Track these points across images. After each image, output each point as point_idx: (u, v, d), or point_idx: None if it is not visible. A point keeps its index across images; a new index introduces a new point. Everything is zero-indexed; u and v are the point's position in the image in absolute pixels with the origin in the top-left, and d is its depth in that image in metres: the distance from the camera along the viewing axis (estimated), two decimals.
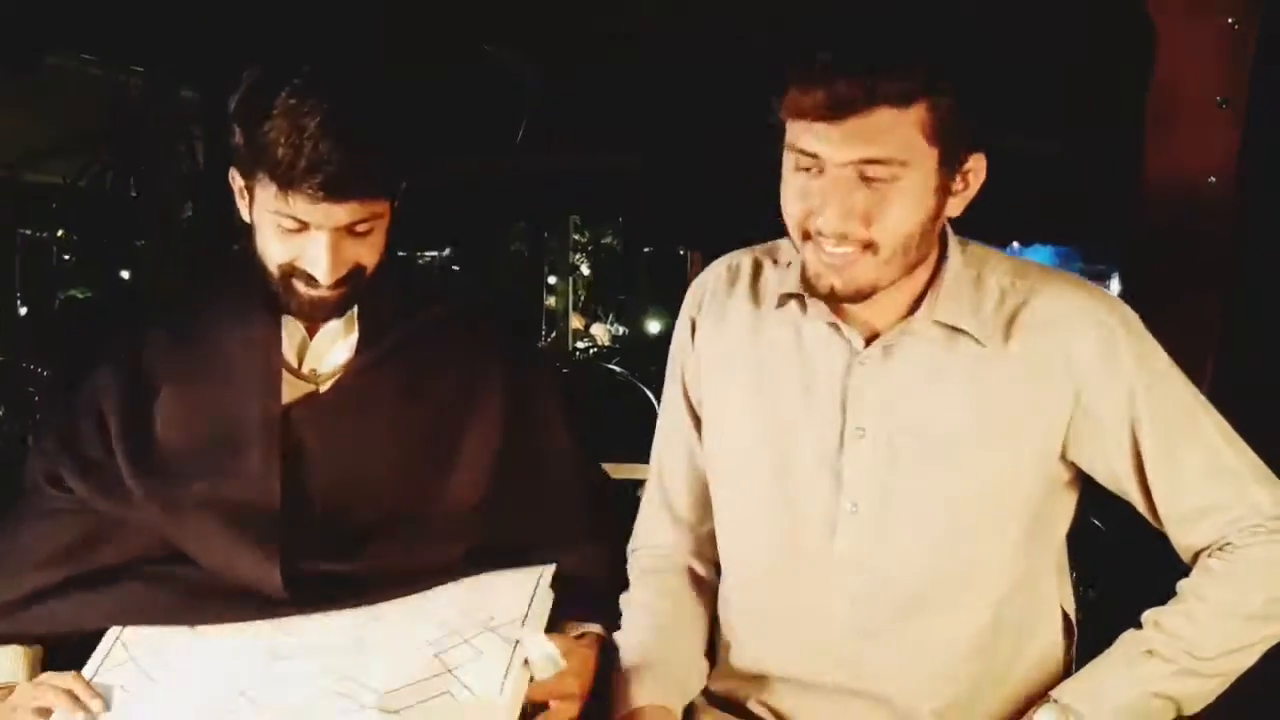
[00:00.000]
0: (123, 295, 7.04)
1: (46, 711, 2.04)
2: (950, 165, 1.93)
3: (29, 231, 9.07)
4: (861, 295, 1.94)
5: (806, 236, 1.94)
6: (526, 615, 2.04)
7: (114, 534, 2.22)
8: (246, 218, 2.20)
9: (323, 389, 2.24)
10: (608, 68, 6.05)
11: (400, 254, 2.36)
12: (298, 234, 2.09)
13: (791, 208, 1.96)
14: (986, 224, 2.11)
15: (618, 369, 6.16)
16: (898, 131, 1.86)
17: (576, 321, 11.39)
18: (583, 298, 12.02)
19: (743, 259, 2.21)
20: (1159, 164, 2.61)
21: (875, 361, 2.00)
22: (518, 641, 1.96)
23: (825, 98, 1.84)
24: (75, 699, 2.01)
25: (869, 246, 1.90)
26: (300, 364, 2.25)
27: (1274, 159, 2.66)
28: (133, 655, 2.10)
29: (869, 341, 2.02)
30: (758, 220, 2.15)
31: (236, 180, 2.19)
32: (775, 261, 2.15)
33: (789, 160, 1.94)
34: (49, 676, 2.10)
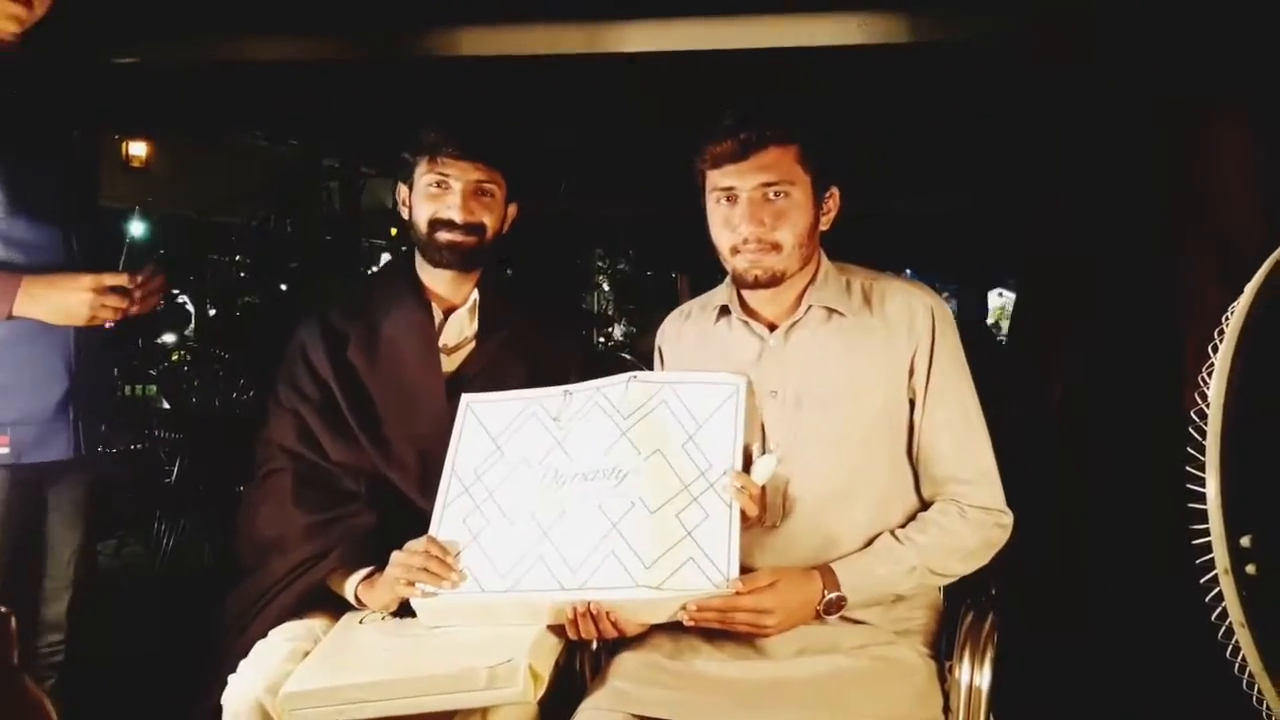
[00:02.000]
0: (281, 300, 7.14)
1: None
2: (819, 190, 2.05)
3: (215, 257, 9.11)
4: (775, 280, 2.02)
5: (735, 251, 2.03)
6: (733, 460, 1.92)
7: (338, 481, 2.17)
8: (406, 216, 2.29)
9: (451, 358, 2.27)
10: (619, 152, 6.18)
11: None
12: (442, 194, 2.20)
13: (719, 232, 2.05)
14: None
15: (629, 356, 6.22)
16: (783, 163, 2.00)
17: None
18: (604, 307, 12.04)
19: (691, 306, 2.27)
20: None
21: (778, 343, 2.06)
22: (731, 503, 1.88)
23: (734, 145, 1.99)
24: (432, 573, 1.91)
25: (775, 247, 2.00)
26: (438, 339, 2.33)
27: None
28: (466, 487, 2.03)
29: (772, 330, 2.08)
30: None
31: (401, 193, 2.28)
32: (706, 303, 2.20)
33: (712, 201, 2.05)
34: (411, 545, 1.96)
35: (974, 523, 1.96)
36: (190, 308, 9.06)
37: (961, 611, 1.99)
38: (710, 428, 1.98)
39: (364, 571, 2.05)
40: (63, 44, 2.27)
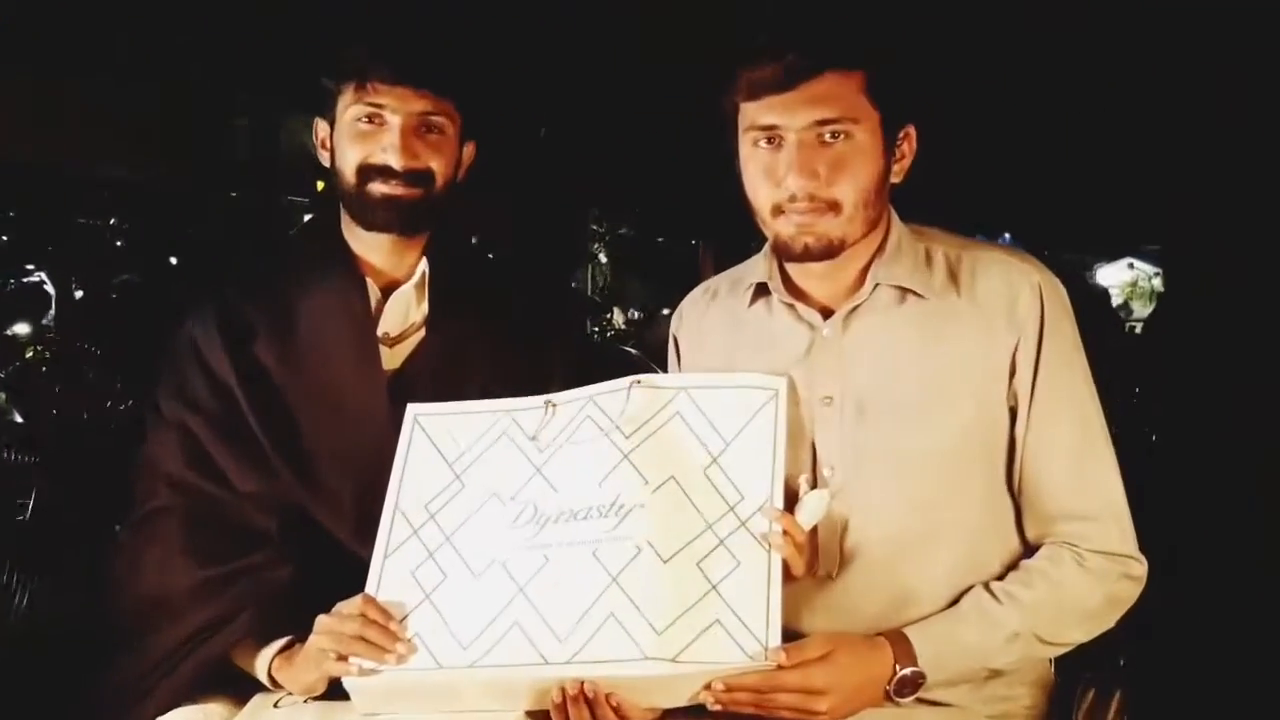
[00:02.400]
0: (170, 278, 7.15)
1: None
2: (891, 130, 2.02)
3: (84, 221, 9.15)
4: (832, 251, 1.99)
5: (778, 212, 2.00)
6: (771, 491, 1.91)
7: (243, 519, 2.17)
8: (327, 162, 2.27)
9: (394, 351, 2.28)
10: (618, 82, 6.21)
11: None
12: (374, 131, 2.16)
13: (756, 187, 2.02)
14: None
15: (633, 350, 6.25)
16: (844, 94, 1.96)
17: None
18: (602, 284, 12.10)
19: (718, 283, 2.28)
20: None
21: (834, 333, 2.04)
22: (770, 548, 1.87)
23: (778, 70, 1.94)
24: (370, 643, 1.88)
25: (833, 207, 1.96)
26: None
27: None
28: (415, 529, 2.01)
29: (826, 316, 2.06)
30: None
31: (321, 131, 2.29)
32: (739, 279, 2.21)
33: (746, 143, 2.02)
34: (342, 607, 1.93)
35: (1096, 573, 1.95)
36: (49, 288, 9.07)
37: (1079, 690, 1.99)
38: (740, 447, 1.98)
39: (280, 643, 2.04)
40: None
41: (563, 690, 1.82)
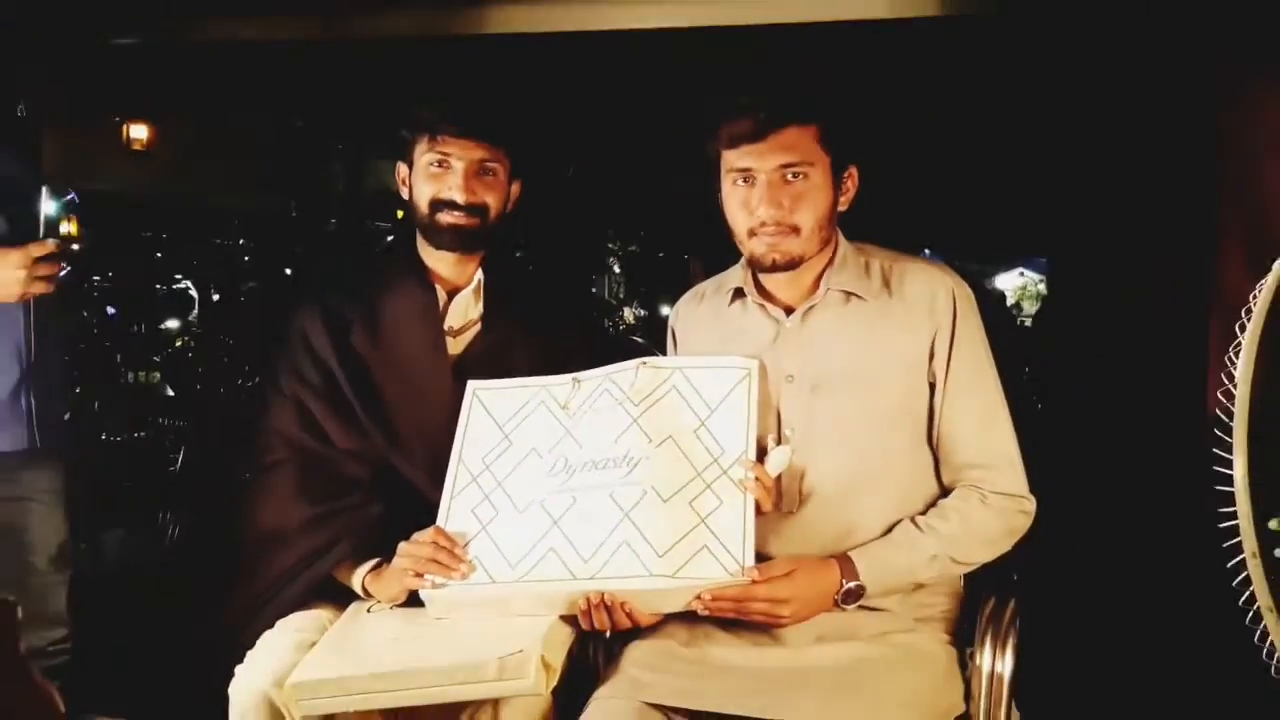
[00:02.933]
0: (285, 285, 7.17)
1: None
2: (838, 170, 2.03)
3: (219, 241, 9.15)
4: (793, 264, 2.01)
5: (751, 234, 2.01)
6: (746, 447, 1.93)
7: (343, 469, 2.17)
8: (406, 196, 2.25)
9: (456, 340, 2.26)
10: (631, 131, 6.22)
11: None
12: (443, 174, 2.17)
13: (735, 214, 2.03)
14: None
15: (640, 340, 6.24)
16: (803, 143, 1.98)
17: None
18: (615, 289, 12.05)
19: (705, 287, 2.25)
20: None
21: (795, 326, 2.05)
22: (745, 491, 1.89)
23: (752, 124, 1.97)
24: (440, 564, 1.92)
25: (795, 229, 1.98)
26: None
27: None
28: (474, 476, 2.03)
29: (788, 313, 2.07)
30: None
31: (401, 172, 2.25)
32: (721, 284, 2.19)
33: (727, 182, 2.03)
34: (419, 536, 1.96)
35: (996, 509, 1.96)
36: (194, 293, 9.08)
37: (983, 597, 1.99)
38: (722, 413, 1.98)
39: (371, 563, 2.06)
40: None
41: (587, 599, 1.84)
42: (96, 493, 4.92)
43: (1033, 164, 6.46)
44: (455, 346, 2.26)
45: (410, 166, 2.24)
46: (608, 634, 1.92)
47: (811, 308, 2.05)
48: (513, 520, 1.96)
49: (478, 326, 2.28)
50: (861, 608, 1.93)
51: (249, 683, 1.91)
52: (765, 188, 1.98)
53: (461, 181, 2.18)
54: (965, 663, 1.96)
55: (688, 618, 1.92)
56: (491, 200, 2.22)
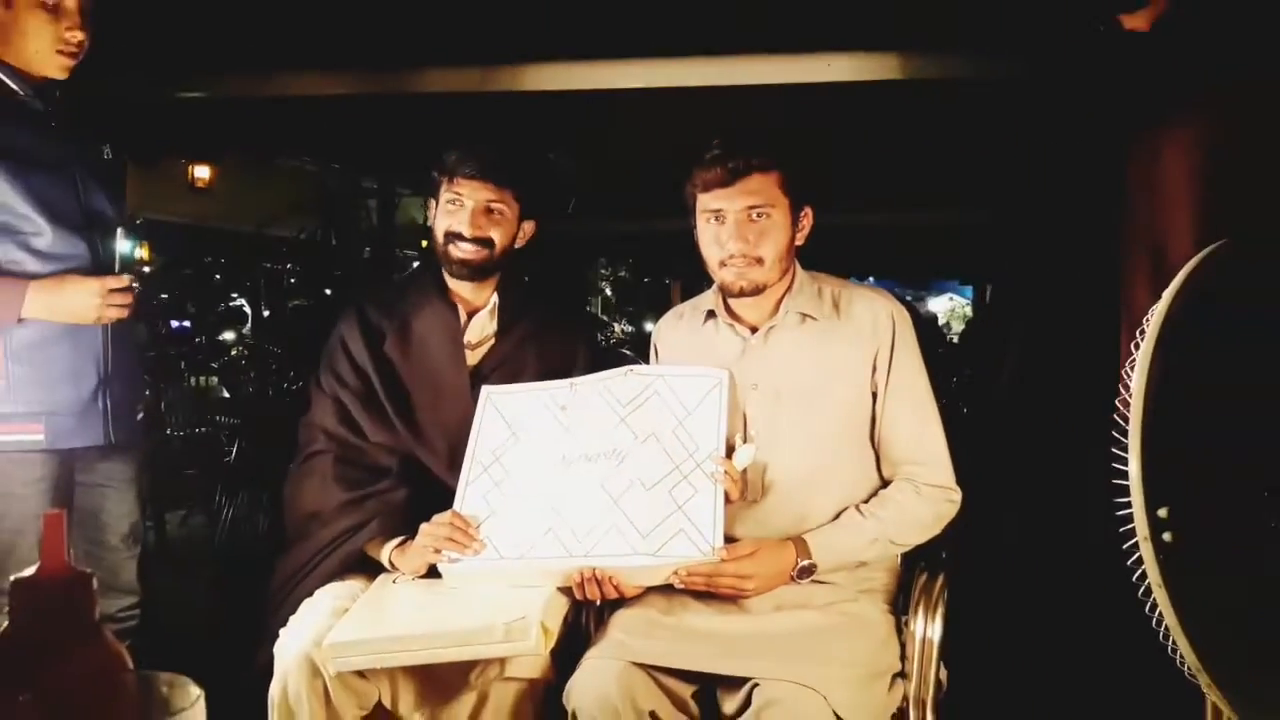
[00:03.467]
0: (326, 303, 7.15)
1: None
2: (795, 211, 2.05)
3: (269, 265, 9.13)
4: (757, 291, 2.01)
5: (722, 265, 2.03)
6: (718, 444, 1.93)
7: (375, 459, 2.16)
8: (432, 223, 2.24)
9: (474, 353, 2.24)
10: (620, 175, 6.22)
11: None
12: (456, 210, 2.18)
13: (709, 248, 2.05)
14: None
15: (628, 351, 6.23)
16: (766, 188, 2.00)
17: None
18: (606, 309, 12.08)
19: (684, 308, 2.26)
20: None
21: (759, 343, 2.05)
22: (716, 482, 1.89)
23: (722, 172, 2.00)
24: (456, 542, 1.92)
25: (759, 260, 2.00)
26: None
27: None
28: (486, 467, 2.02)
29: (753, 332, 2.07)
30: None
31: (431, 208, 2.25)
32: (696, 306, 2.21)
33: (702, 220, 2.05)
34: (438, 518, 1.96)
35: (928, 499, 1.97)
36: (248, 309, 9.06)
37: (916, 572, 2.00)
38: (697, 415, 1.98)
39: (397, 540, 2.05)
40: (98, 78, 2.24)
41: (581, 574, 1.84)
42: (163, 480, 4.92)
43: (961, 202, 6.52)
44: (473, 358, 2.25)
45: (436, 203, 2.24)
46: (598, 603, 1.92)
47: (773, 327, 2.06)
48: (518, 505, 1.96)
49: (492, 341, 2.27)
50: (814, 581, 1.93)
51: (292, 644, 1.90)
52: (734, 226, 1.99)
53: (469, 218, 2.18)
54: (901, 628, 1.96)
55: (666, 589, 1.92)
56: (497, 236, 2.21)
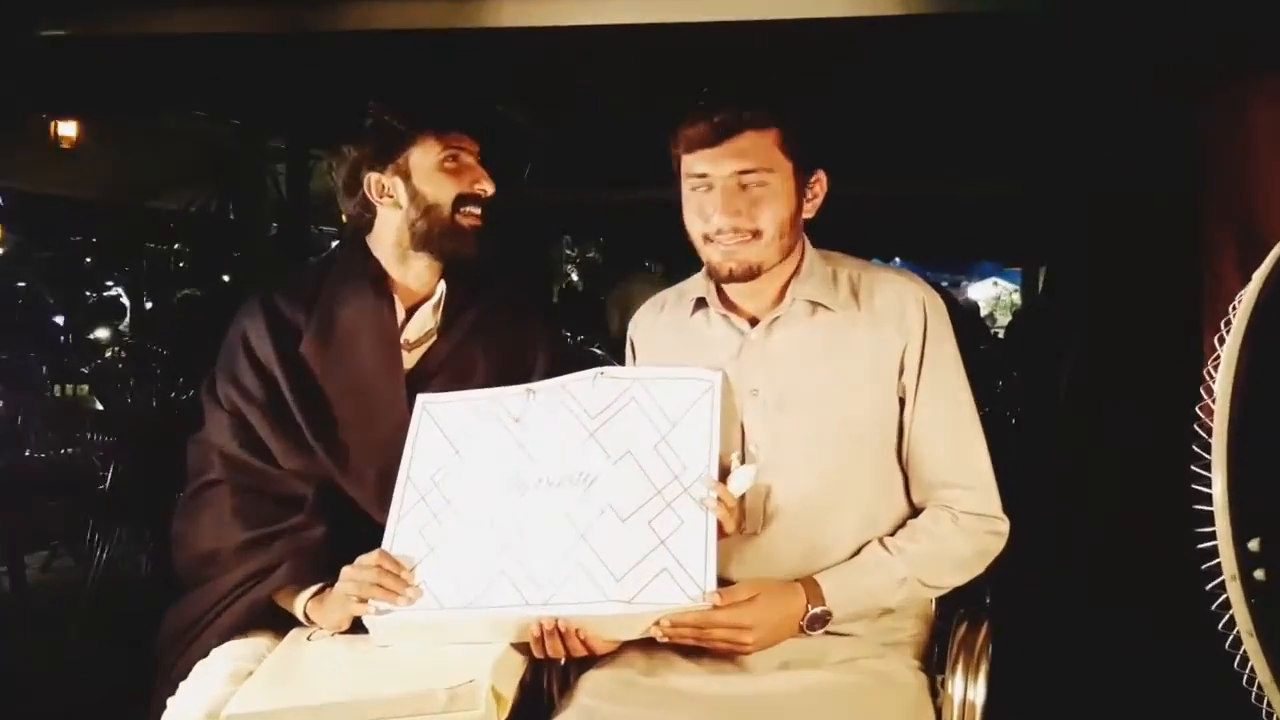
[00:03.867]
0: (223, 292, 7.12)
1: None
2: (802, 175, 2.03)
3: (152, 245, 9.09)
4: (751, 274, 1.98)
5: (707, 240, 2.02)
6: (709, 464, 1.92)
7: (284, 488, 2.14)
8: (397, 201, 2.20)
9: (411, 354, 2.23)
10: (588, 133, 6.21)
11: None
12: (461, 169, 2.20)
13: (692, 221, 2.04)
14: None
15: (599, 350, 6.24)
16: (761, 149, 1.98)
17: None
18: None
19: (666, 296, 2.26)
20: None
21: (759, 338, 2.04)
22: (707, 510, 1.88)
23: (708, 129, 1.97)
24: (386, 589, 1.89)
25: (756, 234, 1.98)
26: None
27: None
28: (422, 495, 2.00)
29: (753, 324, 2.06)
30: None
31: (376, 180, 2.20)
32: (683, 293, 2.20)
33: (686, 188, 2.04)
34: (363, 560, 1.93)
35: (967, 530, 1.96)
36: (125, 301, 9.00)
37: (955, 621, 2.00)
38: (684, 427, 1.97)
39: (313, 588, 2.04)
40: None
41: (540, 626, 1.83)
42: (20, 513, 4.87)
43: (1008, 169, 6.53)
44: (410, 359, 2.23)
45: (399, 169, 2.21)
46: (562, 661, 1.92)
47: (776, 319, 2.05)
48: (462, 542, 1.94)
49: (433, 338, 2.26)
50: (828, 633, 1.93)
51: (181, 715, 1.88)
52: (721, 194, 1.98)
53: (484, 174, 2.21)
54: (936, 690, 1.96)
55: (647, 644, 1.91)
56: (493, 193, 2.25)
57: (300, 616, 2.04)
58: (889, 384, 2.01)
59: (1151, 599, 2.61)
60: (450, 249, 2.22)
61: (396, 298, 2.24)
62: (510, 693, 1.82)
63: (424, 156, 2.19)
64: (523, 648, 1.88)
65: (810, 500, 1.97)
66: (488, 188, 2.21)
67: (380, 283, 2.25)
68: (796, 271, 2.07)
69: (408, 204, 2.21)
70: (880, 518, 2.00)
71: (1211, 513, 1.47)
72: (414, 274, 2.25)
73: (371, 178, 2.22)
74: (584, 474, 1.95)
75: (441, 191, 2.20)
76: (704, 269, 2.12)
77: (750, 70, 2.10)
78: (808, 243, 2.11)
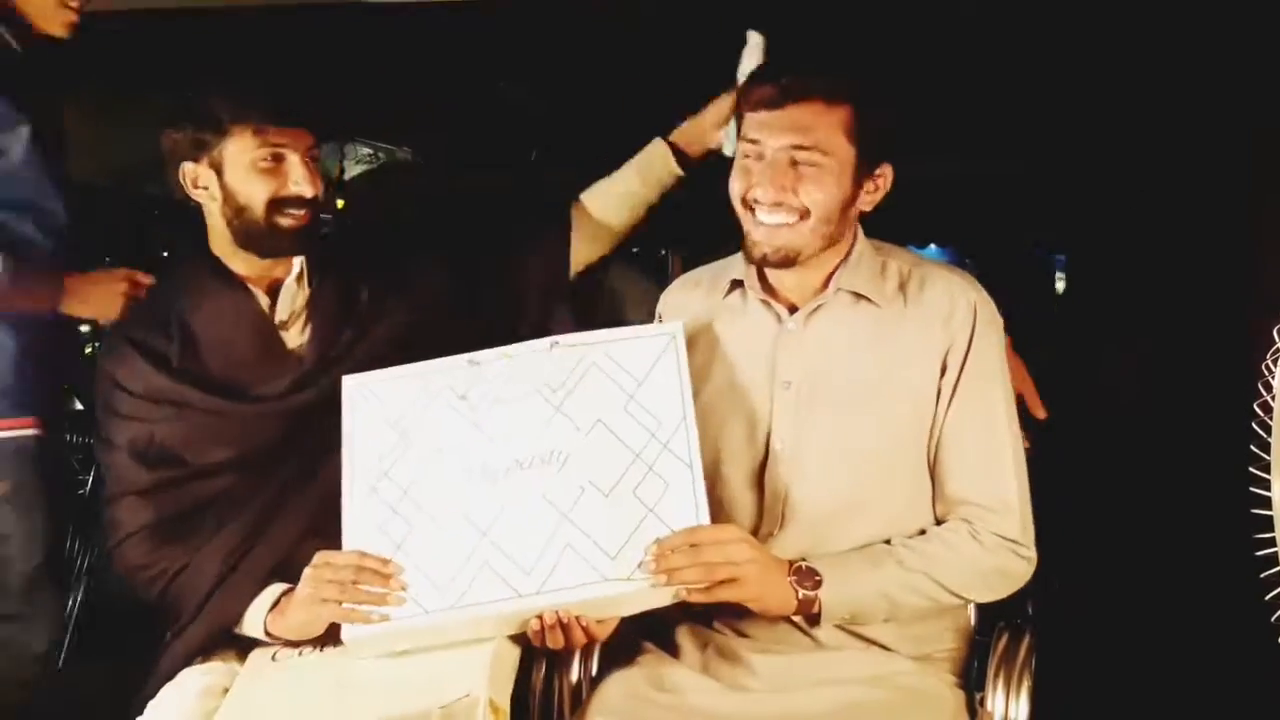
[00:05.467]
0: None
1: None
2: (865, 165, 2.00)
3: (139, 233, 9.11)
4: (788, 261, 1.96)
5: (746, 206, 2.00)
6: (684, 413, 1.93)
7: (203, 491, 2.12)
8: (212, 195, 2.15)
9: (288, 331, 2.20)
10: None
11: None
12: (277, 167, 2.11)
13: (735, 184, 2.01)
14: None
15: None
16: (822, 126, 1.94)
17: None
18: None
19: (702, 274, 2.25)
20: None
21: (798, 327, 2.03)
22: (691, 464, 1.89)
23: (773, 89, 1.95)
24: (373, 591, 1.85)
25: (804, 215, 1.95)
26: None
27: None
28: (373, 485, 1.96)
29: (792, 312, 2.06)
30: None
31: (192, 173, 2.14)
32: (720, 272, 2.18)
33: (742, 145, 2.02)
34: (334, 557, 1.89)
35: (988, 547, 1.93)
36: None
37: (995, 634, 1.99)
38: (651, 384, 1.97)
39: (268, 600, 2.00)
40: None
41: (541, 621, 1.81)
42: None
43: (1049, 158, 6.49)
44: (294, 339, 2.20)
45: (212, 163, 2.14)
46: (571, 653, 1.92)
47: (817, 308, 2.03)
48: (432, 536, 1.90)
49: (306, 311, 2.22)
50: (856, 636, 1.93)
51: None
52: (770, 167, 1.95)
53: (305, 174, 2.12)
54: (976, 707, 1.95)
55: (662, 660, 1.93)
56: (320, 192, 2.17)
57: (259, 633, 2.00)
58: (929, 385, 1.99)
59: (1204, 609, 2.60)
60: (271, 248, 2.17)
61: (250, 285, 2.20)
62: (506, 701, 1.80)
63: (239, 152, 2.11)
64: (511, 644, 1.88)
65: (831, 503, 1.96)
66: (307, 190, 2.12)
67: (231, 278, 2.20)
68: (844, 260, 2.05)
69: (220, 201, 2.15)
70: (902, 527, 1.97)
71: (1271, 517, 1.46)
72: (259, 266, 2.21)
73: (186, 168, 2.16)
74: (556, 451, 1.93)
75: (254, 192, 2.12)
76: (742, 250, 2.10)
77: (830, 37, 2.05)
78: (860, 232, 2.09)
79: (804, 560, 1.88)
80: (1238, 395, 1.66)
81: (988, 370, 1.99)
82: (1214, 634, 2.51)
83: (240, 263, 2.19)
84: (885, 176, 2.03)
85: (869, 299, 2.02)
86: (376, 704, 1.79)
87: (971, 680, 2.00)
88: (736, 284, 2.12)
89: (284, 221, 2.12)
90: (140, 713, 1.93)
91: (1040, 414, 2.24)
